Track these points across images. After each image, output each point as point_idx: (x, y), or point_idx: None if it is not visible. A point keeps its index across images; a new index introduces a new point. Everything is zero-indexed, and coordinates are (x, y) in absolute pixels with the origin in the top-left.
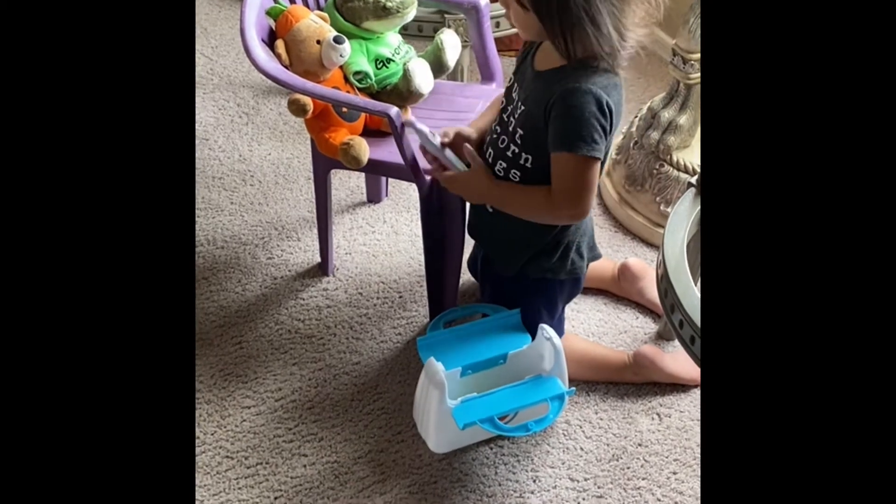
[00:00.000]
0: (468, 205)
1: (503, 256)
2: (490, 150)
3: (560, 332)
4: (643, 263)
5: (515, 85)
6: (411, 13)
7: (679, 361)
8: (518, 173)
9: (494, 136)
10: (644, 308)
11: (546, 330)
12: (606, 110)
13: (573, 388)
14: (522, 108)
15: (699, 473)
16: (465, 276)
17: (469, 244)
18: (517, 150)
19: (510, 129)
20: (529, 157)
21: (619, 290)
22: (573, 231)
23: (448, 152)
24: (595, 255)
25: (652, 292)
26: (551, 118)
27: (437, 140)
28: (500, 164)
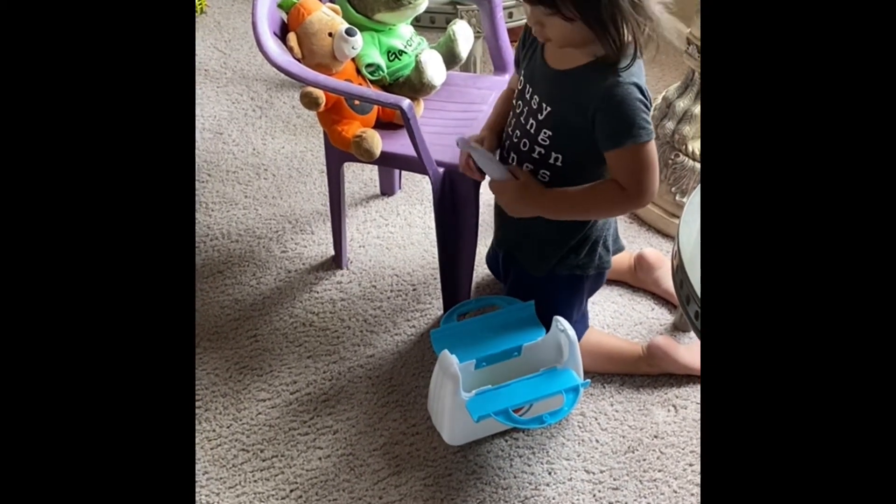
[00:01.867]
0: (493, 205)
1: (533, 259)
2: (513, 153)
3: (585, 325)
4: (659, 253)
5: (528, 87)
6: (423, 4)
7: (694, 352)
8: (547, 173)
9: (514, 140)
10: (659, 299)
11: (560, 322)
12: (646, 92)
13: (588, 380)
14: (548, 109)
15: None
16: (480, 268)
17: (483, 236)
18: (544, 151)
19: (531, 130)
20: (560, 156)
21: (636, 281)
22: (600, 226)
23: (500, 165)
24: (619, 248)
25: (668, 282)
26: (599, 119)
27: (497, 159)
28: (527, 167)
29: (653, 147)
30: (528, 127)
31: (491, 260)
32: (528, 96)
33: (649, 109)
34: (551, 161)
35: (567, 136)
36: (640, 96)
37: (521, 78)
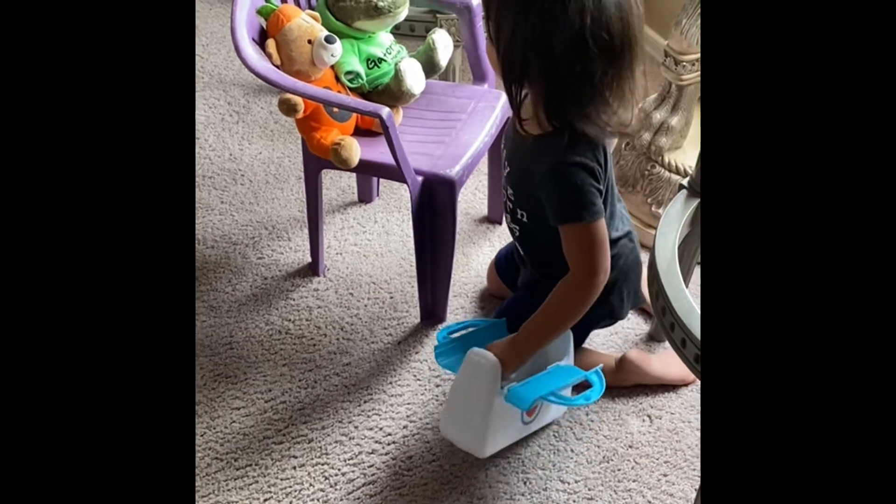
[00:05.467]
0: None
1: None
2: (504, 202)
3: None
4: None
5: (504, 142)
6: (403, 13)
7: (666, 362)
8: (517, 228)
9: (502, 189)
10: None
11: None
12: (597, 173)
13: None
14: (507, 168)
15: (689, 475)
16: (458, 277)
17: (460, 244)
18: (512, 206)
19: (504, 183)
20: (524, 213)
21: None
22: (612, 277)
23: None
24: (637, 302)
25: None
26: (545, 195)
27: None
28: (507, 217)
29: (600, 228)
30: (503, 180)
31: (502, 267)
32: (503, 150)
33: (600, 191)
34: (518, 216)
35: (524, 197)
36: (589, 177)
37: (504, 134)
